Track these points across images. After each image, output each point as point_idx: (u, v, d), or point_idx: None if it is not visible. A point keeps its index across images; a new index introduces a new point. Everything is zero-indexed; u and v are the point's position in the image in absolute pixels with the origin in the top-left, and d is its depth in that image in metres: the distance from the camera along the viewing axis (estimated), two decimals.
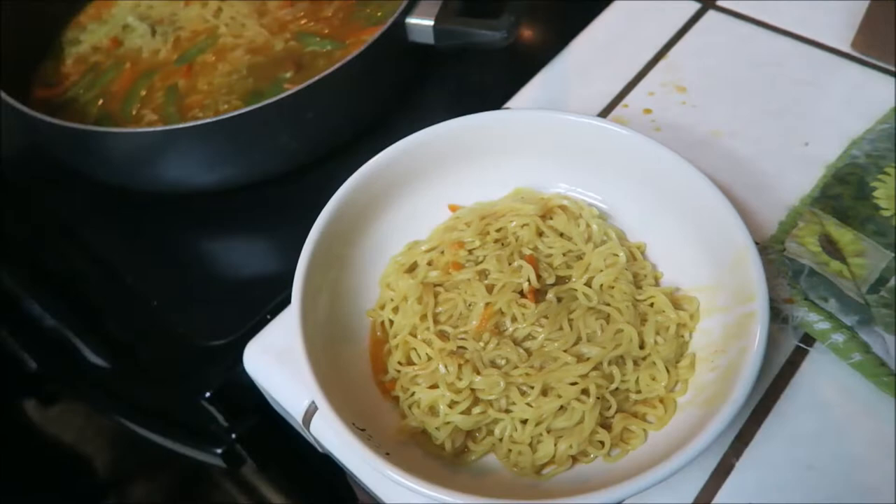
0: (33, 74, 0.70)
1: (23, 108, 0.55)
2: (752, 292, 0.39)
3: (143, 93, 0.66)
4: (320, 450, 0.50)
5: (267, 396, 0.51)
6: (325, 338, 0.43)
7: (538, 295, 0.43)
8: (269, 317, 0.51)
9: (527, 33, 0.56)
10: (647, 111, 0.59)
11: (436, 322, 0.44)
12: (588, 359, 0.41)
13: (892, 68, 0.58)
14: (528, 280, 0.43)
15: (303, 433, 0.51)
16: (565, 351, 0.41)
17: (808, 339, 0.44)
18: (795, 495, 0.40)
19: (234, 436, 0.56)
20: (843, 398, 0.42)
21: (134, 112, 0.64)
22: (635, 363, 0.41)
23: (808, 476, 0.40)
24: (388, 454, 0.37)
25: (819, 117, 0.56)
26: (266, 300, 0.53)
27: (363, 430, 0.38)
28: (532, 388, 0.40)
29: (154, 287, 0.56)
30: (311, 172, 0.59)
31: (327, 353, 0.42)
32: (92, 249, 0.60)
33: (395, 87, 0.64)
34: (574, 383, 0.40)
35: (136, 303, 0.56)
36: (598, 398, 0.40)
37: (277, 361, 0.48)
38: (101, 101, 0.66)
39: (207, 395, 0.51)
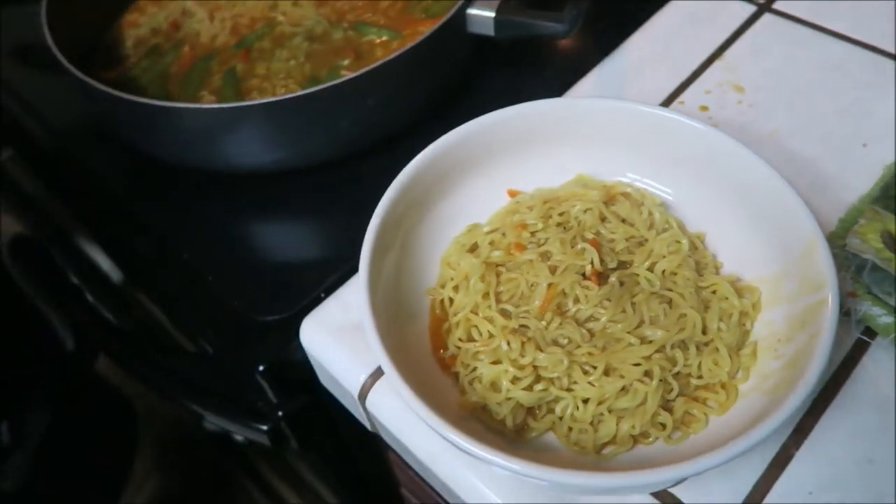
0: (94, 56, 0.72)
1: (90, 81, 0.57)
2: (821, 281, 0.39)
3: (201, 75, 0.67)
4: (370, 429, 0.51)
5: (320, 373, 0.51)
6: (387, 313, 0.43)
7: (601, 278, 0.44)
8: (322, 295, 0.52)
9: (585, 28, 0.56)
10: (704, 108, 0.59)
11: (497, 301, 0.44)
12: (651, 341, 0.41)
13: None
14: (592, 262, 0.43)
15: (354, 413, 0.51)
16: (629, 333, 0.41)
17: (870, 333, 0.44)
18: (855, 489, 0.39)
19: (280, 413, 0.57)
20: None
21: (193, 93, 0.66)
22: (698, 348, 0.41)
23: (868, 470, 0.40)
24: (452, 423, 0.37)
25: (878, 119, 0.56)
26: (320, 280, 0.54)
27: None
28: (595, 367, 0.40)
29: (210, 263, 0.57)
30: (368, 160, 0.60)
31: (395, 328, 0.43)
32: (149, 226, 0.61)
33: (453, 77, 0.65)
34: (637, 364, 0.40)
35: (193, 278, 0.57)
36: (660, 380, 0.40)
37: (334, 337, 0.48)
38: (160, 83, 0.68)
39: (261, 368, 0.52)
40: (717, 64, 0.62)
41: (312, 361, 0.51)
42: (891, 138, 0.54)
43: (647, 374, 0.40)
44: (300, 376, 0.54)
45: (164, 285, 0.60)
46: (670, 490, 0.40)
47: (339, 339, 0.48)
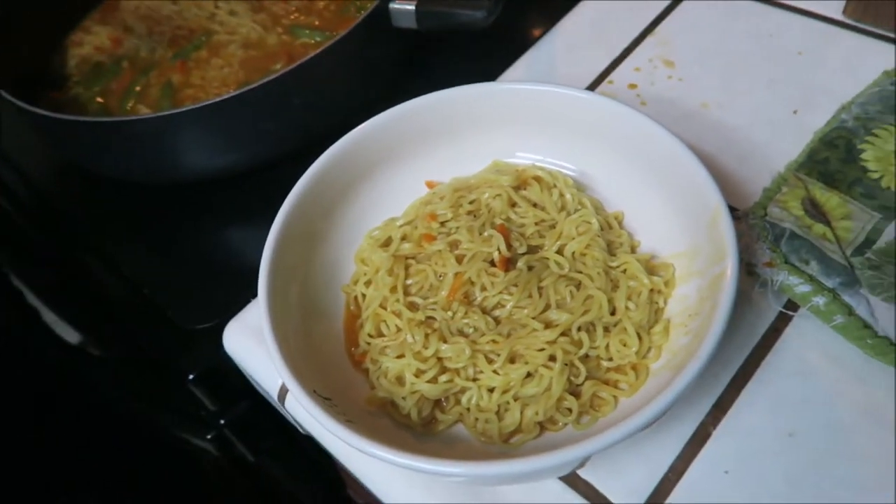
0: (44, 77, 0.72)
1: (22, 104, 0.57)
2: (723, 251, 0.38)
3: (139, 89, 0.67)
4: (302, 431, 0.50)
5: (248, 377, 0.51)
6: (300, 312, 0.43)
7: (509, 264, 0.43)
8: (252, 299, 0.52)
9: (515, 14, 0.56)
10: (633, 86, 0.58)
11: (406, 294, 0.43)
12: (556, 325, 0.40)
13: (886, 33, 0.56)
14: (499, 249, 0.43)
15: (286, 415, 0.51)
16: (534, 318, 0.40)
17: (793, 306, 0.43)
18: (774, 464, 0.38)
19: (222, 421, 0.56)
20: (828, 364, 0.41)
21: (129, 107, 0.66)
22: (606, 329, 0.40)
23: (788, 443, 0.39)
24: (350, 422, 0.36)
25: (811, 86, 0.55)
26: (251, 285, 0.53)
27: (328, 399, 0.38)
28: (499, 355, 0.39)
29: (145, 273, 0.57)
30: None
31: (301, 328, 0.42)
32: (86, 239, 0.62)
33: (384, 73, 0.64)
34: (542, 350, 0.39)
35: (130, 291, 0.57)
36: (566, 364, 0.39)
37: (255, 341, 0.48)
38: (99, 100, 0.68)
39: (191, 377, 0.51)
40: (648, 40, 0.61)
41: (238, 365, 0.50)
42: (822, 104, 0.53)
43: (552, 358, 0.39)
44: (239, 384, 0.54)
45: (101, 297, 0.60)
46: (584, 477, 0.39)
47: (260, 343, 0.48)
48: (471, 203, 0.46)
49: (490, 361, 0.39)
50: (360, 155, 0.47)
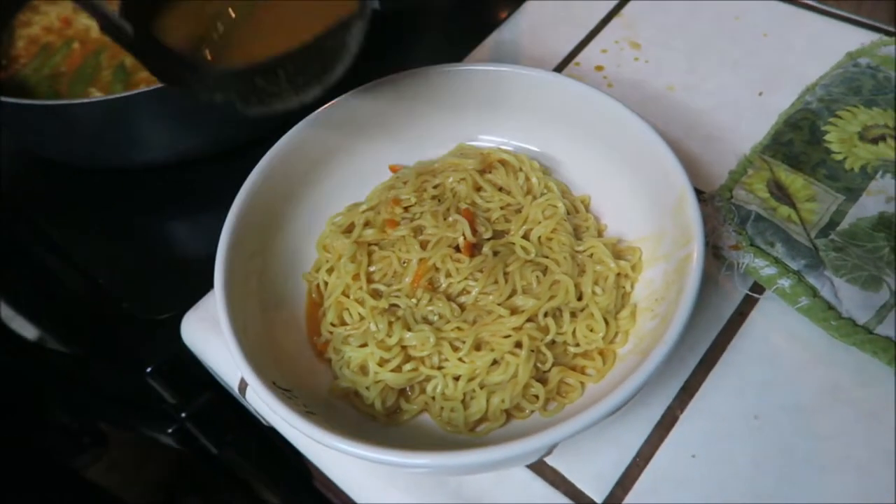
0: None
1: None
2: (690, 234, 0.37)
3: (90, 71, 0.64)
4: (264, 423, 0.49)
5: (208, 368, 0.49)
6: (259, 302, 0.42)
7: (474, 249, 0.42)
8: (211, 288, 0.50)
9: None
10: (599, 68, 0.57)
11: (370, 281, 0.42)
12: (522, 311, 0.39)
13: (849, 15, 0.56)
14: (464, 234, 0.42)
15: (247, 406, 0.50)
16: (500, 304, 0.40)
17: (759, 289, 0.43)
18: (741, 445, 0.38)
19: (183, 414, 0.55)
20: (793, 346, 0.41)
21: (81, 91, 0.63)
22: (573, 315, 0.40)
23: (754, 425, 0.39)
24: (311, 413, 0.35)
25: (777, 68, 0.55)
26: (212, 272, 0.52)
27: (288, 390, 0.37)
28: (464, 342, 0.38)
29: (101, 264, 0.55)
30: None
31: (260, 318, 0.41)
32: (43, 232, 0.59)
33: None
34: (507, 336, 0.38)
35: (85, 281, 0.55)
36: (532, 351, 0.38)
37: (215, 331, 0.46)
38: (50, 83, 0.65)
39: (149, 370, 0.50)
40: (615, 22, 0.60)
41: (197, 356, 0.49)
42: (786, 86, 0.53)
43: (518, 345, 0.38)
44: (200, 376, 0.53)
45: (54, 287, 0.58)
46: (551, 464, 0.39)
47: (219, 334, 0.45)
48: (435, 187, 0.45)
49: (455, 349, 0.39)
50: (320, 139, 0.46)
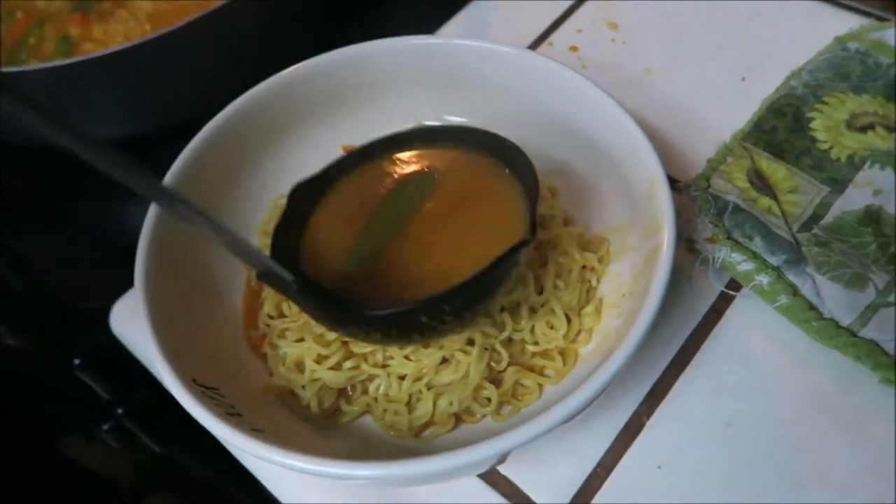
0: None
1: None
2: (659, 224, 0.34)
3: (32, 42, 0.60)
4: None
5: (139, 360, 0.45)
6: (190, 291, 0.38)
7: None
8: None
9: None
10: (574, 49, 0.54)
11: None
12: None
13: None
14: None
15: None
16: None
17: (735, 285, 0.40)
18: (712, 456, 0.35)
19: (120, 410, 0.51)
20: (771, 349, 0.38)
21: (20, 61, 0.59)
22: (532, 310, 0.36)
23: (726, 435, 0.35)
24: (234, 415, 0.32)
25: (761, 52, 0.51)
26: None
27: (212, 388, 0.33)
28: None
29: (29, 250, 0.51)
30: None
31: (189, 308, 0.37)
32: None
33: (312, 29, 0.58)
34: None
35: (10, 267, 0.51)
36: (485, 349, 0.35)
37: None
38: None
39: (77, 362, 0.46)
40: (592, 1, 0.57)
41: (126, 348, 0.45)
42: (771, 71, 0.49)
43: (470, 342, 0.35)
44: (138, 369, 0.49)
45: None
46: (504, 474, 0.35)
47: None
48: None
49: (401, 346, 0.35)
50: (263, 115, 0.42)
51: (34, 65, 0.45)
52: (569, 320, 0.36)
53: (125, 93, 0.51)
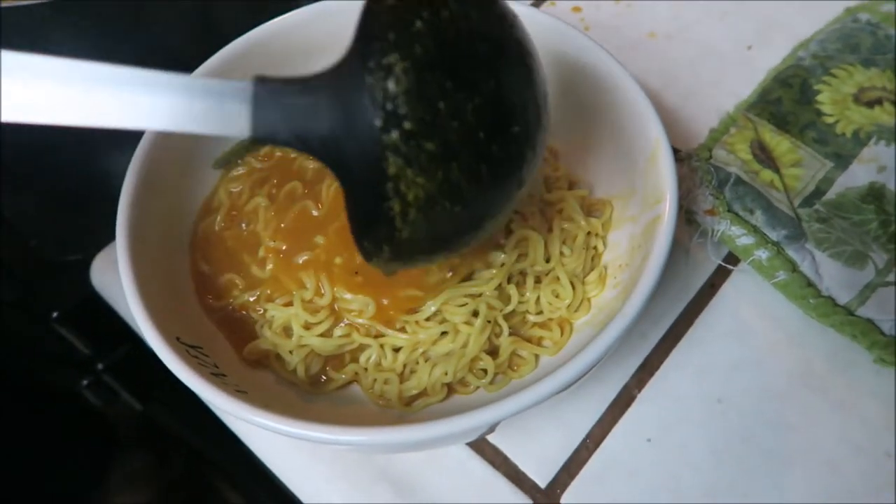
0: None
1: None
2: (660, 193, 0.33)
3: None
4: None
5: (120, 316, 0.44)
6: (173, 246, 0.37)
7: None
8: None
9: None
10: (577, 9, 0.52)
11: None
12: (489, 272, 0.34)
13: None
14: None
15: None
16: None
17: (733, 259, 0.39)
18: (701, 431, 0.35)
19: (100, 366, 0.50)
20: (766, 325, 0.37)
21: None
22: (537, 280, 0.35)
23: (717, 410, 0.35)
24: (218, 375, 0.31)
25: (769, 20, 0.50)
26: None
27: (196, 347, 0.32)
28: None
29: (7, 199, 0.49)
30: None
31: (171, 261, 0.36)
32: None
33: None
34: (463, 305, 0.34)
35: None
36: (488, 322, 0.34)
37: None
38: None
39: (55, 315, 0.45)
40: None
41: (107, 303, 0.44)
42: (778, 40, 0.48)
43: (474, 313, 0.34)
44: (118, 322, 0.47)
45: None
46: (493, 442, 0.35)
47: None
48: None
49: None
50: (257, 63, 0.40)
51: (9, 2, 0.43)
52: (573, 289, 0.35)
53: (108, 36, 0.49)
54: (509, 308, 0.35)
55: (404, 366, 0.34)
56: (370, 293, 0.34)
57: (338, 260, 0.34)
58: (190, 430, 0.64)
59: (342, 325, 0.34)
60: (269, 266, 0.36)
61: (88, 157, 0.52)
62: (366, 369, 0.34)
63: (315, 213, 0.36)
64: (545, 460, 0.34)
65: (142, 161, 0.35)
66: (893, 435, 0.34)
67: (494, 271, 0.34)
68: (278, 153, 0.40)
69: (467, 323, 0.34)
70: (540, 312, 0.35)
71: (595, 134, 0.40)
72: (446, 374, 0.33)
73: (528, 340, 0.35)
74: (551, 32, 0.39)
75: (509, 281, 0.35)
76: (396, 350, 0.34)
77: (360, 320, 0.34)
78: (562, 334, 0.35)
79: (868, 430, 0.34)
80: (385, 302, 0.34)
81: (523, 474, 0.34)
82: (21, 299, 0.48)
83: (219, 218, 0.38)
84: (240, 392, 0.30)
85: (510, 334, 0.35)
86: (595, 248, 0.37)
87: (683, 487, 0.33)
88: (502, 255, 0.35)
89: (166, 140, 0.36)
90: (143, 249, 0.33)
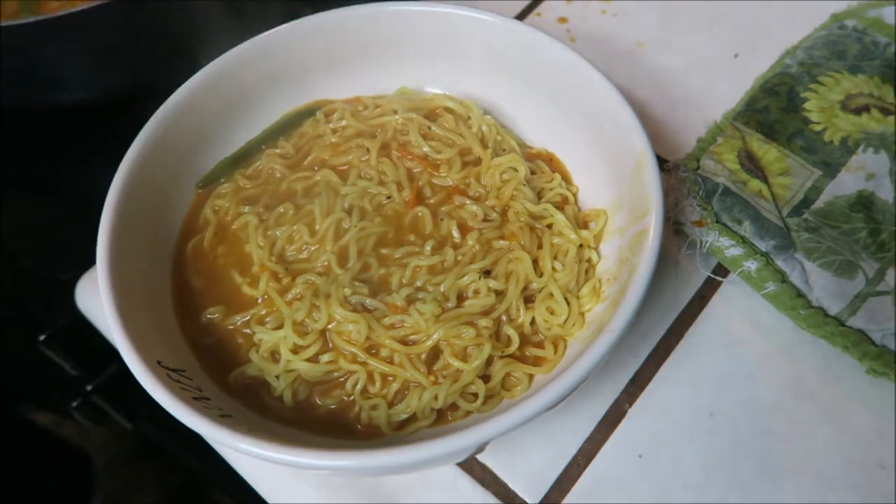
0: None
1: None
2: (647, 206, 0.32)
3: None
4: None
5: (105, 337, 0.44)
6: (159, 266, 0.36)
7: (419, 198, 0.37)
8: None
9: None
10: (563, 20, 0.52)
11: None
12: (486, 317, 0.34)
13: None
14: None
15: None
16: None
17: (722, 271, 0.39)
18: (692, 446, 0.34)
19: (89, 387, 0.50)
20: (756, 337, 0.37)
21: None
22: (529, 301, 0.35)
23: (708, 424, 0.35)
24: (200, 399, 0.30)
25: (755, 28, 0.50)
26: None
27: (178, 370, 0.32)
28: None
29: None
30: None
31: (155, 285, 0.36)
32: None
33: None
34: (465, 347, 0.34)
35: None
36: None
37: None
38: None
39: (42, 337, 0.44)
40: None
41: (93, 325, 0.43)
42: (766, 48, 0.48)
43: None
44: (104, 343, 0.47)
45: None
46: (483, 462, 0.35)
47: None
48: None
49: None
50: (237, 80, 0.40)
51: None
52: (568, 304, 0.35)
53: (92, 54, 0.49)
54: (510, 350, 0.34)
55: (395, 394, 0.33)
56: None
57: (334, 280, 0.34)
58: (180, 447, 0.63)
59: (329, 352, 0.34)
60: (262, 285, 0.35)
61: (84, 174, 0.52)
62: (352, 397, 0.34)
63: (307, 235, 0.36)
64: (535, 478, 0.34)
65: (123, 182, 0.35)
66: (886, 446, 0.33)
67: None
68: (265, 172, 0.40)
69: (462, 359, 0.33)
70: (536, 333, 0.35)
71: (580, 147, 0.40)
72: (436, 398, 0.33)
73: (522, 360, 0.34)
74: (536, 46, 0.39)
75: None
76: (386, 378, 0.33)
77: (350, 348, 0.34)
78: (555, 352, 0.34)
79: (860, 441, 0.33)
80: (377, 328, 0.34)
81: (513, 493, 0.34)
82: (8, 319, 0.47)
83: (208, 235, 0.38)
84: (224, 416, 0.30)
85: (501, 356, 0.34)
86: (589, 260, 0.37)
87: (675, 503, 0.33)
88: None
89: (147, 161, 0.36)
90: (124, 271, 0.33)
